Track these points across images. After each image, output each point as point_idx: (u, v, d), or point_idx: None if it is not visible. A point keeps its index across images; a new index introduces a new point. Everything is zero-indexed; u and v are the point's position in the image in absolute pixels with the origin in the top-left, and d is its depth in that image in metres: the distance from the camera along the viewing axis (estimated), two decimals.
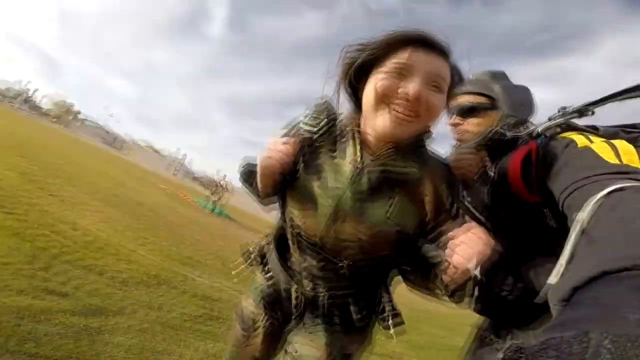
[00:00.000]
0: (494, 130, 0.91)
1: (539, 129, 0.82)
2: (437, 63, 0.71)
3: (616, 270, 0.28)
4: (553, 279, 0.35)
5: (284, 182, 0.81)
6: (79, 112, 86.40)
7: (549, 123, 0.81)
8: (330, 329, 0.86)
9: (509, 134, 0.89)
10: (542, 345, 0.20)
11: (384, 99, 0.70)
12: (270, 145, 0.77)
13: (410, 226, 0.77)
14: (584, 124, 0.79)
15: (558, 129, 0.77)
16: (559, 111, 0.84)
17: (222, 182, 15.26)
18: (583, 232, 0.47)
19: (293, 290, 0.87)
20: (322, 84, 0.82)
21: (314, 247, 0.79)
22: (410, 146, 0.77)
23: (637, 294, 0.24)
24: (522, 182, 0.75)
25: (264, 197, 0.88)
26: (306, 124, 0.82)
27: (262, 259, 0.96)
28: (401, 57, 0.69)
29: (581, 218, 0.51)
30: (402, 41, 0.70)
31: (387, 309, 0.84)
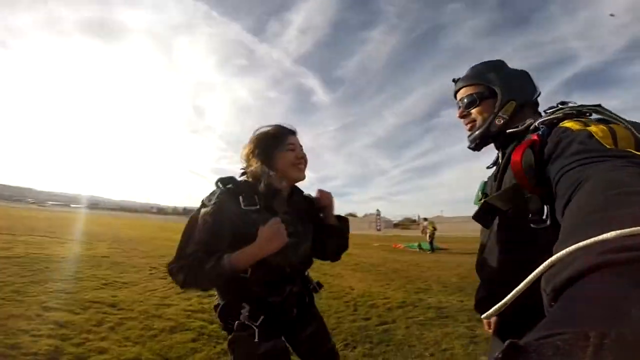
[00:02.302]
0: (495, 117, 0.93)
1: (536, 122, 0.79)
2: (298, 140, 1.20)
3: (620, 262, 0.25)
4: (547, 264, 0.30)
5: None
6: None
7: (548, 117, 0.77)
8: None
9: (507, 128, 0.91)
10: (540, 343, 0.18)
11: (292, 163, 1.13)
12: (275, 233, 0.97)
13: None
14: None
15: (555, 120, 0.74)
16: (557, 105, 0.81)
17: (422, 221, 15.47)
18: (580, 214, 0.40)
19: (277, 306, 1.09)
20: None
21: (284, 273, 1.10)
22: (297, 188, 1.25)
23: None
24: (525, 176, 0.72)
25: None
26: (249, 204, 1.05)
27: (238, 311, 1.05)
28: (289, 140, 1.15)
29: (577, 198, 0.47)
30: (288, 132, 1.18)
31: (315, 285, 1.27)
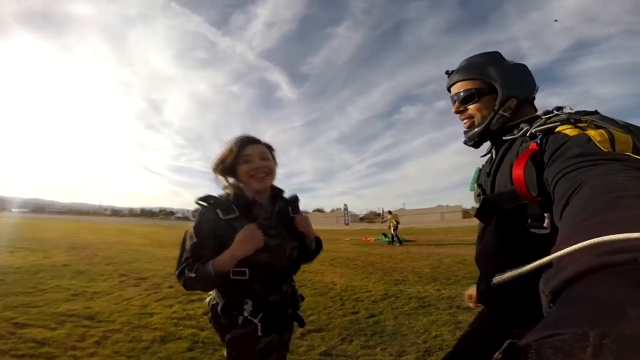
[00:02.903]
0: (497, 114, 0.90)
1: (533, 129, 0.78)
2: (261, 147, 1.20)
3: (617, 263, 0.25)
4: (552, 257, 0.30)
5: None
6: None
7: (544, 123, 0.77)
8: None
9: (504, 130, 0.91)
10: (540, 344, 0.19)
11: (249, 175, 1.15)
12: (252, 237, 1.07)
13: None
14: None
15: (552, 126, 0.73)
16: (552, 110, 0.81)
17: (386, 214, 15.65)
18: (578, 216, 0.41)
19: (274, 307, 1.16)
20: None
21: (275, 272, 1.18)
22: (274, 191, 1.26)
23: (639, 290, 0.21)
24: (527, 190, 0.70)
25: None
26: (227, 214, 1.12)
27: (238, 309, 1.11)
28: (244, 152, 1.16)
29: (575, 202, 0.47)
30: (243, 144, 1.18)
31: (299, 296, 1.32)
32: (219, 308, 1.13)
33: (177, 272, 1.09)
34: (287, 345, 1.28)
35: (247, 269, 1.10)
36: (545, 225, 0.72)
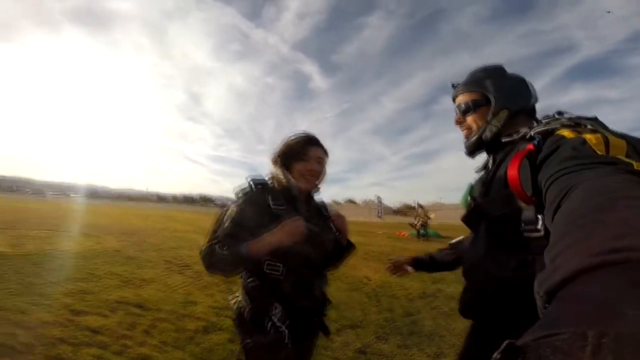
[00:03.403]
0: (488, 125, 0.94)
1: (532, 132, 0.78)
2: (320, 152, 1.25)
3: (611, 263, 0.25)
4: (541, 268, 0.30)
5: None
6: None
7: (543, 126, 0.76)
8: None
9: (504, 138, 0.91)
10: (538, 344, 0.19)
11: (301, 173, 1.20)
12: (297, 229, 1.06)
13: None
14: None
15: (550, 130, 0.73)
16: (553, 115, 0.81)
17: (419, 208, 15.53)
18: (571, 218, 0.41)
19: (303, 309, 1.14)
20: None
21: (310, 267, 1.17)
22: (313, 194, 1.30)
23: (636, 290, 0.21)
24: (522, 190, 0.70)
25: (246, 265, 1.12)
26: (276, 203, 1.15)
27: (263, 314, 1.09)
28: (306, 151, 1.21)
29: (568, 204, 0.48)
30: (306, 143, 1.23)
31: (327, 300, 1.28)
32: (245, 313, 1.09)
33: (206, 247, 1.05)
34: (311, 352, 1.27)
35: (281, 265, 1.09)
36: (539, 227, 0.72)
